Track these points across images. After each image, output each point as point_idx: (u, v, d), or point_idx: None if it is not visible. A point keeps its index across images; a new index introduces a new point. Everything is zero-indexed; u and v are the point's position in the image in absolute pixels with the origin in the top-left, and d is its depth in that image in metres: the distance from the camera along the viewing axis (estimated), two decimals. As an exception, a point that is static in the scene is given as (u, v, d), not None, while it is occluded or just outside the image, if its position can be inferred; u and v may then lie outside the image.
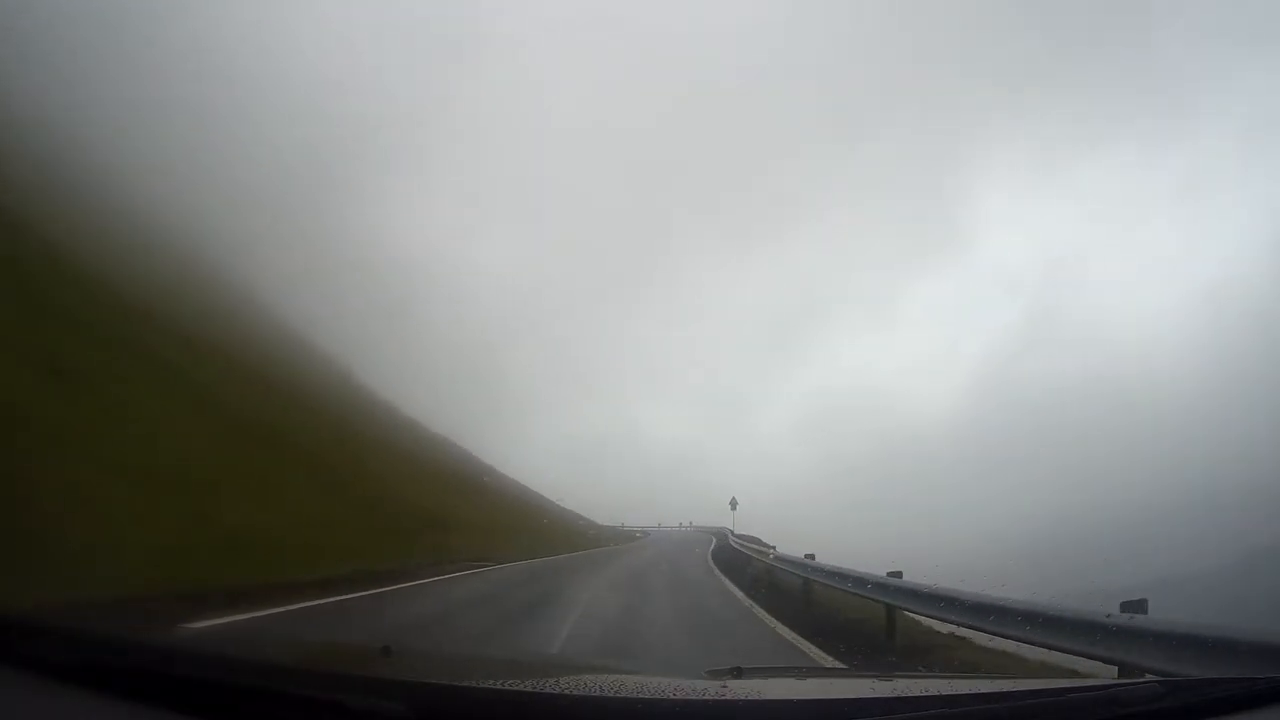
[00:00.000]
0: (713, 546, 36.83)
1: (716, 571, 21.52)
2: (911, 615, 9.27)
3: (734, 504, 53.82)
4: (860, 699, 2.32)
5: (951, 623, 7.76)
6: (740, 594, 15.25)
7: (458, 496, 29.54)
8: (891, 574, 9.45)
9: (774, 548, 21.20)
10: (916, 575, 9.06)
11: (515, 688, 2.08)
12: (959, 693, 2.40)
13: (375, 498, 19.02)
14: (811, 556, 14.24)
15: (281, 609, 8.17)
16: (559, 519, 46.44)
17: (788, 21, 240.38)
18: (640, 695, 2.16)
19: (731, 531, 42.66)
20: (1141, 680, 2.24)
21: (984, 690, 2.46)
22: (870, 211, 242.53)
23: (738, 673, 2.39)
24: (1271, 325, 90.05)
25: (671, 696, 2.10)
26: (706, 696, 2.12)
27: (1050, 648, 5.72)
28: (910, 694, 2.36)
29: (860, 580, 10.41)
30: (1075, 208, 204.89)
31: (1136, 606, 4.78)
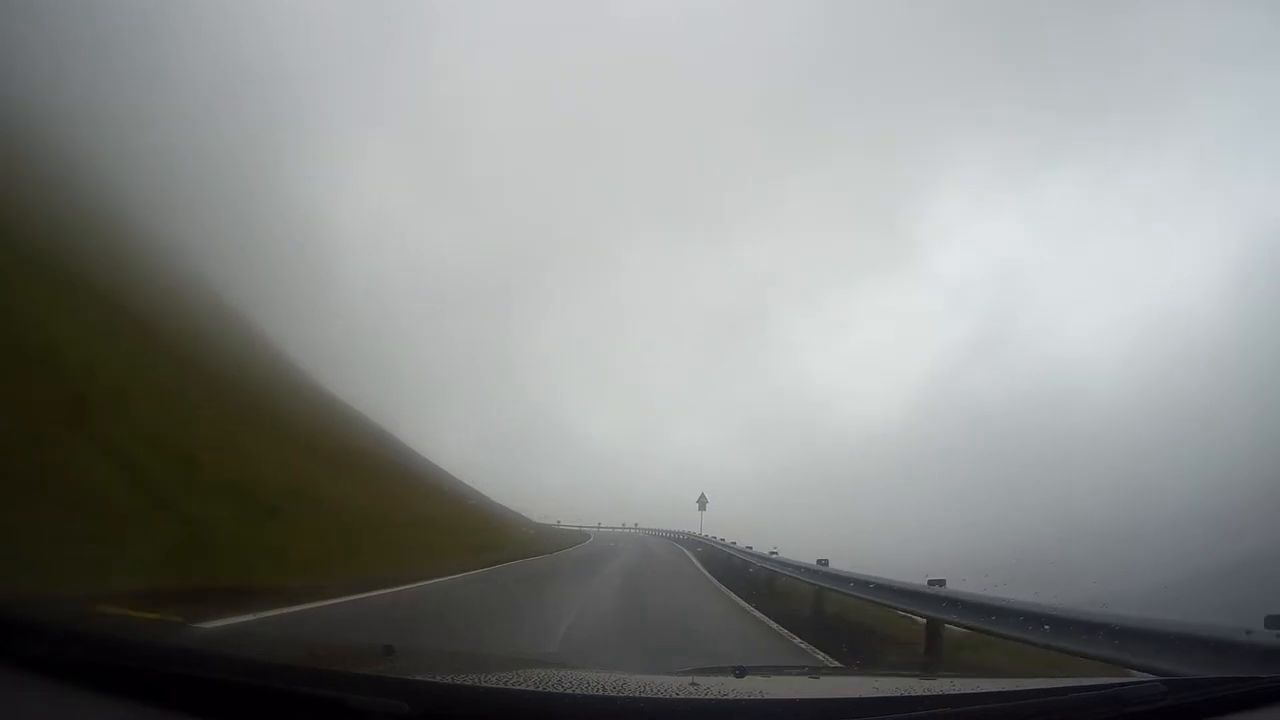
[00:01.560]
0: (699, 560, 27.28)
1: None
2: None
3: (703, 502, 43.00)
4: (862, 699, 2.32)
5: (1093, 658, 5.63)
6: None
7: (344, 476, 20.47)
8: (933, 581, 8.04)
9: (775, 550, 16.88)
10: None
11: (518, 686, 2.08)
12: (961, 692, 2.41)
13: (174, 462, 11.65)
14: (825, 562, 12.77)
15: None
16: (484, 514, 35.62)
17: (748, 17, 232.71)
18: (643, 694, 2.16)
19: (733, 545, 24.51)
20: (1143, 679, 2.24)
21: (986, 690, 2.46)
22: (825, 216, 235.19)
23: (740, 672, 2.39)
24: (1218, 352, 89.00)
25: (675, 696, 2.11)
26: (709, 696, 2.14)
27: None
28: (913, 693, 2.36)
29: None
30: (1031, 224, 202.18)
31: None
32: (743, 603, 14.43)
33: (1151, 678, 2.25)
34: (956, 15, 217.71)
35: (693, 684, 2.35)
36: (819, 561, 12.92)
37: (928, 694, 2.33)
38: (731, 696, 2.14)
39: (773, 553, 16.84)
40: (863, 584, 10.63)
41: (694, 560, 28.69)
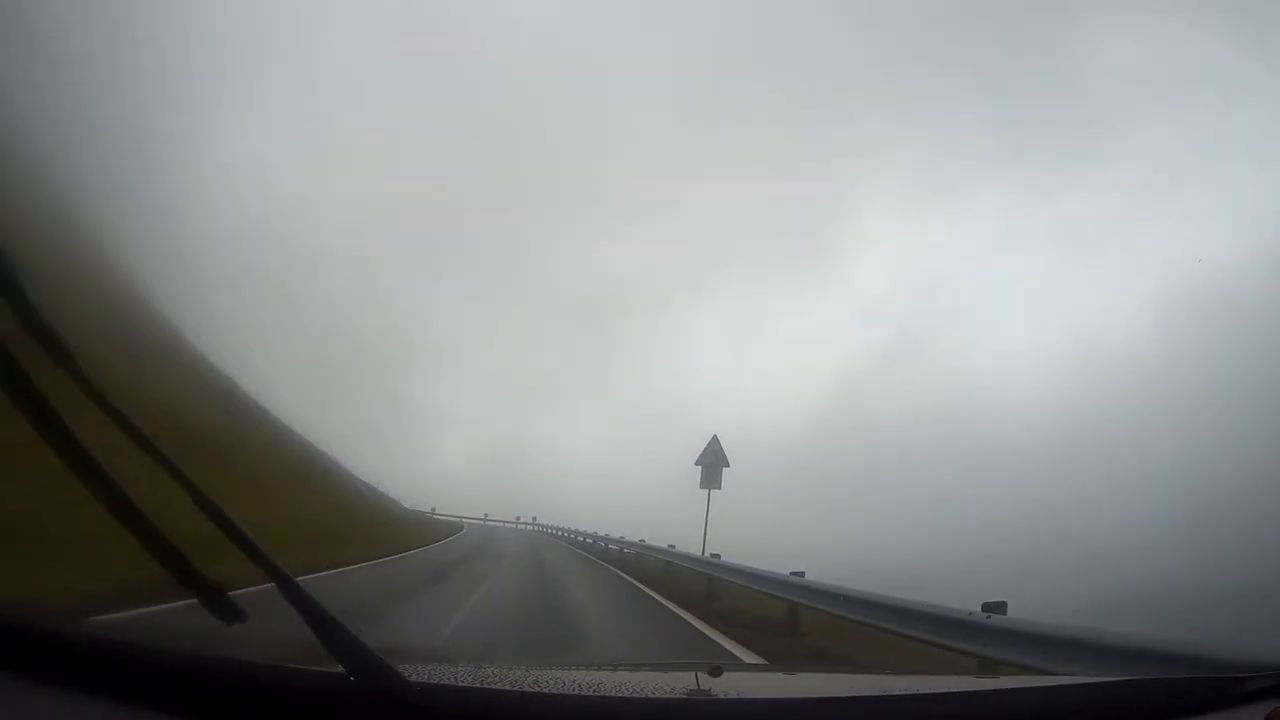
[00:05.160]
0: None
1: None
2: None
3: (712, 472, 20.26)
4: (839, 697, 2.33)
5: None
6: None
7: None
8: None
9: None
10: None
11: (494, 685, 2.05)
12: (936, 691, 2.42)
13: None
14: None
15: None
16: (342, 493, 29.29)
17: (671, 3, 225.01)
18: (618, 693, 2.14)
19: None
20: (1116, 679, 2.28)
21: (963, 689, 2.47)
22: (736, 210, 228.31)
23: (716, 671, 2.38)
24: (1139, 380, 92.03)
25: (651, 695, 2.11)
26: (685, 696, 2.14)
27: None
28: (891, 692, 2.37)
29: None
30: (957, 239, 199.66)
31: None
32: None
33: (1125, 678, 2.30)
34: (894, 20, 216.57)
35: (668, 682, 2.33)
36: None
37: (905, 693, 2.34)
38: (710, 695, 2.14)
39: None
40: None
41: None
